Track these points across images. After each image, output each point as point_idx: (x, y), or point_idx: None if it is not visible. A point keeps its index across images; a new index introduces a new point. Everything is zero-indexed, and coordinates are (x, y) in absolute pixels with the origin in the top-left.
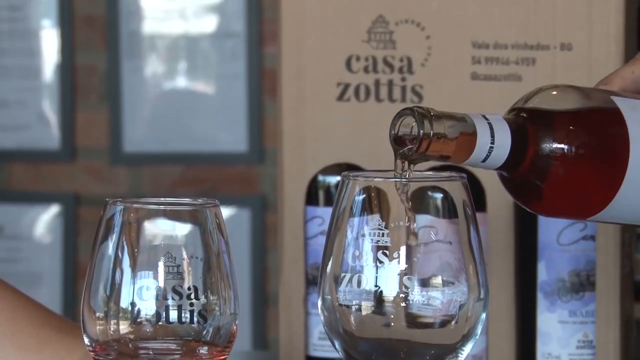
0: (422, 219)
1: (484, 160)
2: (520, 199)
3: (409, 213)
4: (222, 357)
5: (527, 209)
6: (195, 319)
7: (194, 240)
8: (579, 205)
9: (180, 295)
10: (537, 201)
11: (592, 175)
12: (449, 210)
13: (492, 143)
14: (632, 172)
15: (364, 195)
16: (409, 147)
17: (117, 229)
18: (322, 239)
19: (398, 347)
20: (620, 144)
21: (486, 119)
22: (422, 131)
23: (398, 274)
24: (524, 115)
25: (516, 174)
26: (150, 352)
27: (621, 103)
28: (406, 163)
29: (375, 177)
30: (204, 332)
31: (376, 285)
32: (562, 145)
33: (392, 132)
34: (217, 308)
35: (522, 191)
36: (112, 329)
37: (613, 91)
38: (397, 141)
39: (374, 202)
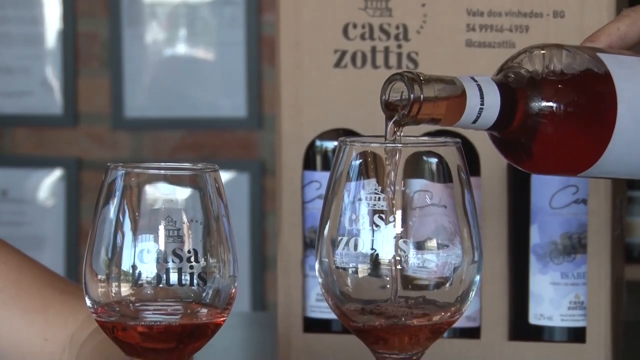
0: (417, 183)
1: (474, 122)
2: (511, 158)
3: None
4: (222, 319)
5: (519, 168)
6: (195, 281)
7: (194, 204)
8: (568, 162)
9: (181, 258)
10: (528, 159)
11: (581, 133)
12: (443, 175)
13: (482, 104)
14: (620, 128)
15: (361, 160)
16: (400, 112)
17: (118, 193)
18: (319, 203)
19: None
20: (608, 101)
21: (475, 80)
22: (412, 95)
23: (394, 237)
24: (513, 75)
25: (507, 133)
26: (151, 314)
27: (608, 59)
28: (398, 128)
29: (371, 142)
30: (204, 295)
31: (372, 249)
32: (550, 104)
33: (383, 97)
34: (216, 271)
35: (513, 150)
36: (113, 291)
37: (600, 48)
38: (388, 107)
39: (371, 167)
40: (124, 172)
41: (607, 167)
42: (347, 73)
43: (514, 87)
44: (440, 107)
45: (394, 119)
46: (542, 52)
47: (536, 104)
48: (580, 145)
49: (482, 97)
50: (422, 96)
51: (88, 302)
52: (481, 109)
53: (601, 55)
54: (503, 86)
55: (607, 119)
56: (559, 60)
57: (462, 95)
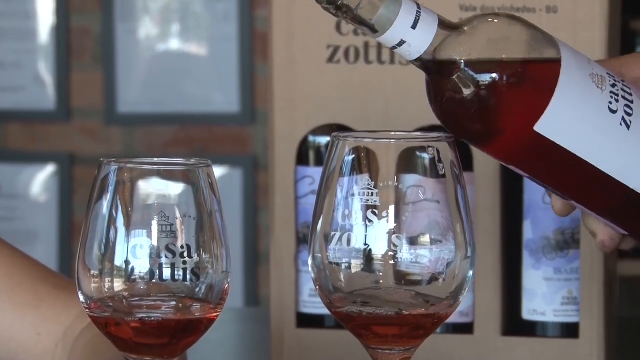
0: (411, 179)
1: (398, 45)
2: (435, 108)
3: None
4: (215, 314)
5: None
6: (188, 276)
7: (187, 200)
8: (514, 114)
9: (174, 254)
10: (447, 110)
11: (525, 79)
12: (436, 170)
13: (415, 22)
14: (565, 75)
15: (354, 156)
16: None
17: (111, 189)
18: (312, 199)
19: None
20: (552, 56)
21: (419, 7)
22: None
23: (387, 233)
24: (463, 28)
25: (440, 78)
26: (144, 309)
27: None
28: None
29: (364, 138)
30: (197, 290)
31: (365, 244)
32: (491, 71)
33: None
34: (209, 266)
35: (437, 98)
36: (106, 286)
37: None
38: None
39: (364, 162)
40: (117, 167)
41: (556, 123)
42: (340, 68)
43: (459, 35)
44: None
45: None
46: (495, 20)
47: (472, 60)
48: (525, 95)
49: (415, 25)
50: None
51: (81, 298)
52: (404, 41)
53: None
54: (446, 26)
55: (551, 69)
56: (511, 28)
57: (392, 16)
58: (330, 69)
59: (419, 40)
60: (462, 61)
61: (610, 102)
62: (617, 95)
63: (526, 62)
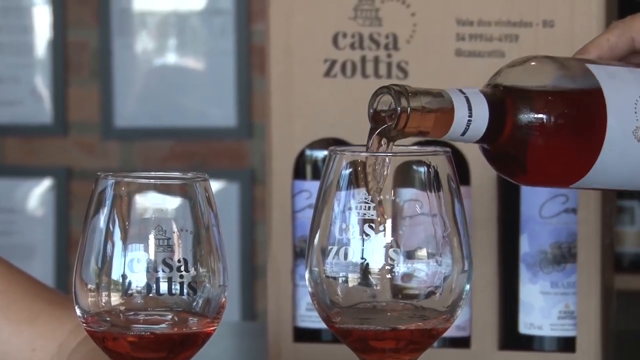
0: (407, 193)
1: (463, 134)
2: (503, 171)
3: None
4: (212, 328)
5: (511, 181)
6: (185, 290)
7: (184, 214)
8: (559, 174)
9: (171, 268)
10: (520, 172)
11: (571, 144)
12: (433, 184)
13: (470, 117)
14: (610, 138)
15: (351, 170)
16: (388, 124)
17: (108, 203)
18: (309, 213)
19: None
20: (598, 112)
21: (463, 92)
22: (399, 107)
23: (384, 247)
24: (502, 88)
25: (497, 146)
26: (141, 324)
27: (597, 70)
28: (384, 140)
29: (361, 152)
30: (194, 304)
31: (362, 258)
32: (540, 116)
33: (371, 110)
34: (206, 280)
35: (504, 163)
36: (103, 300)
37: (590, 59)
38: (375, 118)
39: (361, 176)
40: (114, 181)
41: (598, 179)
42: (337, 82)
43: (503, 99)
44: (427, 119)
45: (380, 129)
46: (532, 64)
47: (525, 116)
48: (570, 157)
49: (470, 109)
50: (409, 108)
51: (78, 312)
52: (469, 120)
53: (591, 67)
54: (492, 98)
55: (597, 130)
56: (548, 72)
57: (450, 107)
58: (327, 83)
59: (467, 140)
60: (508, 128)
61: None
62: None
63: (566, 143)
